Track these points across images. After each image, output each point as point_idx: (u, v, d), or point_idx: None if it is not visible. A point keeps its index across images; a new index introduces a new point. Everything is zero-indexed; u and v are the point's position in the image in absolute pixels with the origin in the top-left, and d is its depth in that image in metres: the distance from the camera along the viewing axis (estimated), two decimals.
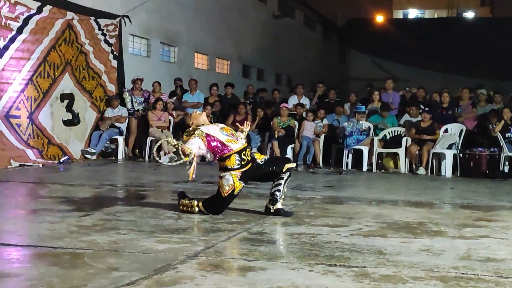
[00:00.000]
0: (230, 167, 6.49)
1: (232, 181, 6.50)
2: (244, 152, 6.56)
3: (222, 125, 6.87)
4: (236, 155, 6.50)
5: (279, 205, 6.69)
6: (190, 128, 6.59)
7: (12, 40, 12.10)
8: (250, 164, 6.59)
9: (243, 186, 6.64)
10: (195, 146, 6.29)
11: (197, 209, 6.60)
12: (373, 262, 4.59)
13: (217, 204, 6.63)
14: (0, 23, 11.78)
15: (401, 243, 5.35)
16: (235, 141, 6.55)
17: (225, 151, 6.47)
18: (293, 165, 6.91)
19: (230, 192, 6.52)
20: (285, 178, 6.70)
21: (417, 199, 8.76)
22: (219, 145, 6.44)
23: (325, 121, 14.33)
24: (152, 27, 18.13)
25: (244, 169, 6.53)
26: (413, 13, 49.33)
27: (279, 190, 6.69)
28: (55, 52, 13.18)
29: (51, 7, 12.95)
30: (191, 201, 6.71)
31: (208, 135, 6.43)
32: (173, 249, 4.88)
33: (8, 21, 11.97)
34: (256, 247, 5.04)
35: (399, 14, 48.25)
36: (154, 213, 6.67)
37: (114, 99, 14.45)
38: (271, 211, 6.67)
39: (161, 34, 18.83)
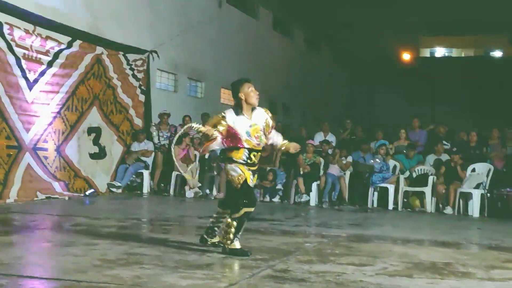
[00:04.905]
0: (235, 159, 6.37)
1: (240, 170, 6.35)
2: (254, 153, 6.43)
3: (255, 125, 6.47)
4: (246, 151, 6.39)
5: (216, 240, 6.61)
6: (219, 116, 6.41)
7: (42, 73, 12.28)
8: (256, 168, 6.49)
9: (252, 178, 6.44)
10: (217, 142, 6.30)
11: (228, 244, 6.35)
12: None
13: (236, 198, 6.38)
14: (31, 57, 11.97)
15: (427, 284, 5.26)
16: (252, 144, 6.40)
17: (238, 144, 6.36)
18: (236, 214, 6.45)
19: (242, 181, 6.34)
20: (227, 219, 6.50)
21: (444, 239, 8.63)
22: (234, 138, 6.35)
23: (349, 159, 14.30)
24: (180, 62, 18.30)
25: (249, 168, 6.40)
26: (440, 51, 49.26)
27: (219, 227, 6.60)
28: (84, 86, 13.34)
29: (81, 41, 13.16)
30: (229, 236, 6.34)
31: (230, 127, 6.33)
32: (196, 285, 4.84)
33: (39, 55, 12.17)
34: (281, 285, 4.98)
35: (426, 53, 48.19)
36: (179, 248, 6.64)
37: (141, 133, 14.55)
38: (208, 243, 6.60)
39: (188, 69, 18.99)
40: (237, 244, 6.33)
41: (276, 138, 6.83)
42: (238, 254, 6.24)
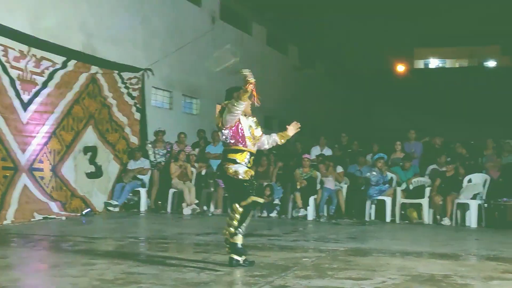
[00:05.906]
0: (238, 161, 6.54)
1: (245, 168, 6.53)
2: (252, 156, 6.67)
3: (255, 125, 6.89)
4: (248, 154, 6.59)
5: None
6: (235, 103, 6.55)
7: (37, 94, 12.29)
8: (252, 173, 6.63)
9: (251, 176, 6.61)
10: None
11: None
12: None
13: (244, 189, 6.50)
14: (25, 77, 11.99)
15: None
16: (252, 143, 6.65)
17: (240, 145, 6.55)
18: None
19: (249, 176, 6.52)
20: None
21: (442, 250, 8.62)
22: (240, 135, 6.55)
23: (339, 169, 14.20)
24: (174, 80, 18.31)
25: (248, 169, 6.56)
26: (434, 63, 49.46)
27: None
28: (79, 106, 13.35)
29: (75, 61, 13.19)
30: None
31: (239, 121, 6.59)
32: None
33: (34, 76, 12.19)
34: None
35: (420, 64, 48.38)
36: (176, 265, 6.63)
37: (137, 151, 14.54)
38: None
39: (183, 86, 19.00)
40: (239, 240, 6.38)
41: (272, 139, 7.06)
42: (238, 253, 6.35)
